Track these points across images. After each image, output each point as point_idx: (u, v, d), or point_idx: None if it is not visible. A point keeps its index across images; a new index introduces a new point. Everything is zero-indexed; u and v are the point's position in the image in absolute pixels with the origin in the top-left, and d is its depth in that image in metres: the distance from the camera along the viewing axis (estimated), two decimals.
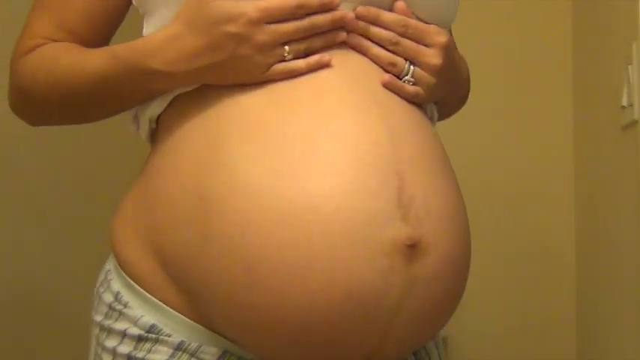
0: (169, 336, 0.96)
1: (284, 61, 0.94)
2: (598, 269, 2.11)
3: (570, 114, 2.41)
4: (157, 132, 1.03)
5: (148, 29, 1.00)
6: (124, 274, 1.00)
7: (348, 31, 0.98)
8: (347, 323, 0.89)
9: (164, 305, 0.97)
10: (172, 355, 0.96)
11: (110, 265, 1.03)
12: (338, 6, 0.96)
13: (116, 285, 1.00)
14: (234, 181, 0.90)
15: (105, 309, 1.00)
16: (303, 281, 0.87)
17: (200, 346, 0.96)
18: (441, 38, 1.00)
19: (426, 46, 1.00)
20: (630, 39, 1.77)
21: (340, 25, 0.97)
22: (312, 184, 0.89)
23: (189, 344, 0.96)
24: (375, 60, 0.99)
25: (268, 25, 0.93)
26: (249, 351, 0.95)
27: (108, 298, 1.00)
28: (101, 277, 1.04)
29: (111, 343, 0.98)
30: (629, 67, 1.78)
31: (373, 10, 0.99)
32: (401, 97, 0.99)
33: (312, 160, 0.90)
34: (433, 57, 1.00)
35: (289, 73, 0.95)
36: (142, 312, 0.97)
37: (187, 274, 0.94)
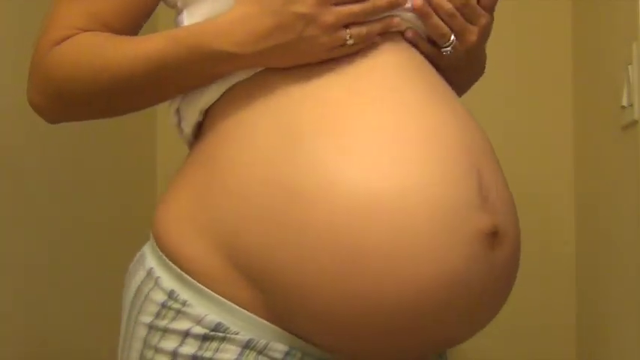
0: (237, 334, 0.95)
1: (344, 45, 0.97)
2: (598, 269, 2.10)
3: (570, 114, 2.40)
4: (206, 123, 1.03)
5: (190, 20, 1.00)
6: (181, 272, 0.97)
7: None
8: (436, 310, 0.92)
9: (230, 302, 0.95)
10: (241, 354, 0.94)
11: (151, 261, 1.00)
12: None
13: (168, 283, 0.98)
14: (323, 172, 0.91)
15: (155, 308, 0.98)
16: (398, 269, 0.89)
17: (267, 344, 0.95)
18: (483, 20, 1.07)
19: (471, 23, 1.05)
20: (630, 39, 1.77)
21: (395, 8, 1.00)
22: (402, 173, 0.91)
23: (257, 342, 0.95)
24: (431, 27, 1.02)
25: (334, 7, 0.95)
26: (319, 346, 0.95)
27: (158, 296, 0.98)
28: (140, 275, 1.01)
29: (169, 344, 0.96)
30: (629, 67, 1.77)
31: None
32: (420, 50, 1.04)
33: (399, 149, 0.92)
34: (472, 34, 1.06)
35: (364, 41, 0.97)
36: (205, 310, 0.95)
37: (263, 266, 0.93)
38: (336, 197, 0.90)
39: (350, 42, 0.96)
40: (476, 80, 1.20)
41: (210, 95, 1.01)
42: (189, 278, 0.96)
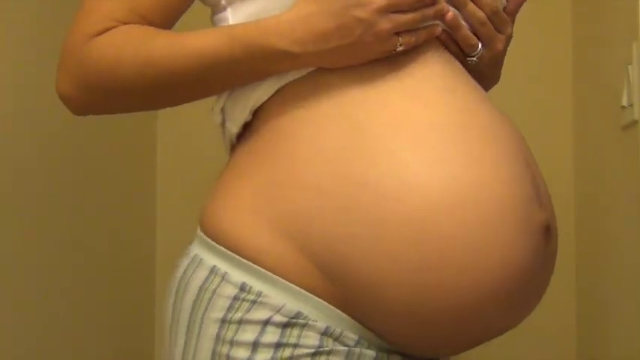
0: (315, 321, 0.97)
1: (394, 50, 0.99)
2: (598, 269, 2.10)
3: (570, 114, 2.40)
4: (256, 122, 1.04)
5: (235, 19, 1.01)
6: (252, 264, 0.98)
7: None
8: (507, 299, 0.97)
9: (307, 292, 0.98)
10: (321, 340, 0.96)
11: (212, 259, 1.00)
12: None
13: (238, 277, 0.98)
14: (405, 171, 0.95)
15: (226, 302, 0.98)
16: (480, 261, 0.94)
17: (342, 332, 0.98)
18: (509, 29, 1.11)
19: (499, 32, 1.09)
20: (630, 39, 1.77)
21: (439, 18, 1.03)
22: (475, 171, 0.96)
23: (333, 329, 0.97)
24: (461, 38, 1.05)
25: (392, 14, 0.98)
26: (385, 335, 0.99)
27: (228, 290, 0.98)
28: (201, 275, 1.01)
29: (247, 336, 0.97)
30: (629, 67, 1.78)
31: None
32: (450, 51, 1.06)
33: (467, 149, 0.97)
34: (500, 42, 1.09)
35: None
36: (283, 300, 0.97)
37: (338, 257, 0.96)
38: (418, 194, 0.94)
39: (400, 49, 0.99)
40: (494, 85, 1.23)
41: (261, 93, 1.02)
42: (263, 270, 0.98)
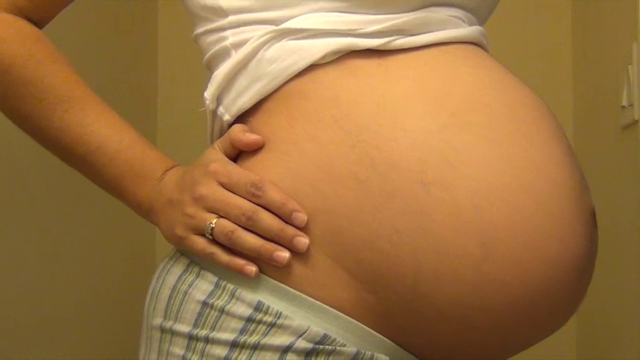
0: (344, 346, 0.86)
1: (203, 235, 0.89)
2: (598, 269, 2.10)
3: (570, 114, 2.40)
4: (261, 111, 0.93)
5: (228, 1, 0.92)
6: (270, 278, 0.87)
7: None
8: (569, 295, 0.89)
9: (335, 310, 0.86)
10: None
11: (218, 271, 0.89)
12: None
13: (252, 294, 0.86)
14: (447, 151, 0.85)
15: (238, 324, 0.86)
16: (541, 252, 0.85)
17: (373, 355, 0.87)
18: None
19: None
20: (630, 39, 1.77)
21: None
22: (527, 154, 0.87)
23: (363, 354, 0.86)
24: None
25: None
26: (426, 352, 0.89)
27: (240, 310, 0.86)
28: (203, 289, 0.89)
29: None
30: (629, 67, 1.78)
31: None
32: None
33: (516, 128, 0.88)
34: None
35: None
36: (307, 322, 0.85)
37: (375, 258, 0.84)
38: (467, 179, 0.84)
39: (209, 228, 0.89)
40: None
41: (266, 87, 0.92)
42: (283, 285, 0.86)
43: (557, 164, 0.88)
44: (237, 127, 0.91)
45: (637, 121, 1.75)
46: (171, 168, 0.96)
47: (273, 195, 0.86)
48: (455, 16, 0.94)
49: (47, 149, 0.98)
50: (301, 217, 0.86)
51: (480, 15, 1.01)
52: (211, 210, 0.88)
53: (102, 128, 0.95)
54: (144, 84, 2.41)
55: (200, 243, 0.89)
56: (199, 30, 0.96)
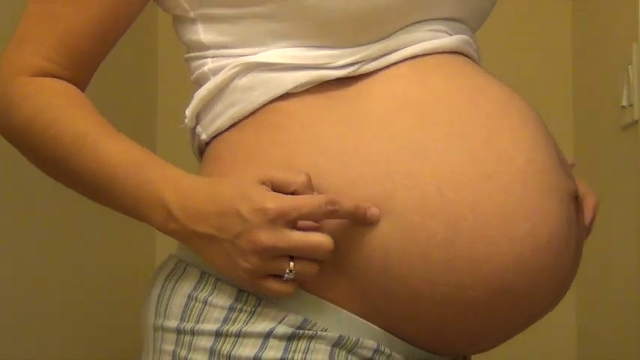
0: (325, 330, 0.88)
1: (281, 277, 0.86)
2: (598, 269, 2.10)
3: (570, 114, 2.40)
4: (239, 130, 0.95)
5: (208, 36, 0.95)
6: None
7: None
8: (545, 274, 0.90)
9: (314, 296, 0.88)
10: (331, 354, 0.88)
11: (202, 265, 0.91)
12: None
13: (231, 285, 0.89)
14: (412, 144, 0.89)
15: (221, 314, 0.89)
16: (508, 231, 0.88)
17: (358, 340, 0.89)
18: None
19: None
20: (630, 39, 1.77)
21: None
22: (495, 142, 0.90)
23: (347, 339, 0.88)
24: None
25: (285, 230, 0.85)
26: (411, 338, 0.91)
27: (221, 301, 0.89)
28: (188, 284, 0.91)
29: (247, 350, 0.87)
30: (629, 67, 1.78)
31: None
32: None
33: (483, 123, 0.91)
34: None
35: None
36: (286, 309, 0.88)
37: (342, 242, 0.87)
38: (430, 168, 0.88)
39: (289, 277, 0.85)
40: None
41: (244, 109, 0.94)
42: None
43: (521, 150, 0.91)
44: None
45: (637, 121, 1.75)
46: (175, 184, 0.91)
47: (347, 204, 0.86)
48: (435, 30, 0.96)
49: (82, 194, 0.98)
50: (374, 210, 0.87)
51: (471, 22, 1.03)
52: (283, 255, 0.85)
53: (112, 158, 0.92)
54: (144, 93, 2.41)
55: (276, 286, 0.86)
56: (188, 55, 1.00)
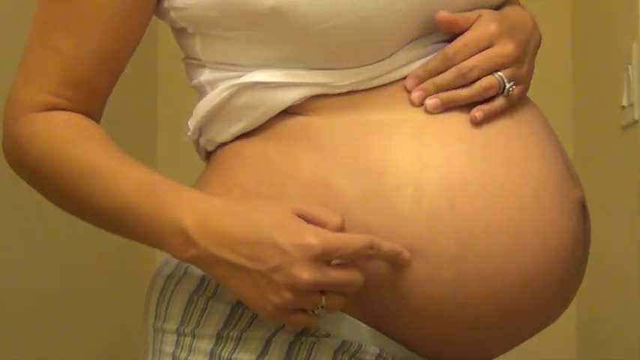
0: (328, 336, 0.87)
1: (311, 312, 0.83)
2: (598, 269, 2.10)
3: (570, 114, 2.40)
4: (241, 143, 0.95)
5: (206, 53, 0.94)
6: None
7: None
8: (553, 285, 0.89)
9: None
10: (333, 359, 0.87)
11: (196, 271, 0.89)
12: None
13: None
14: (417, 154, 0.86)
15: (222, 317, 0.88)
16: (519, 246, 0.85)
17: (360, 346, 0.87)
18: (490, 28, 0.91)
19: (489, 47, 0.91)
20: (630, 39, 1.77)
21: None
22: (508, 150, 0.88)
23: (350, 345, 0.87)
24: (471, 99, 0.90)
25: (323, 267, 0.81)
26: (412, 346, 0.90)
27: (223, 304, 0.88)
28: (190, 285, 0.90)
29: (248, 355, 0.86)
30: (629, 67, 1.78)
31: (420, 72, 0.91)
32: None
33: (494, 129, 0.89)
34: (504, 47, 0.92)
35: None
36: None
37: (364, 261, 0.85)
38: (436, 175, 0.85)
39: (317, 312, 0.83)
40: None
41: (248, 125, 0.93)
42: None
43: (533, 159, 0.89)
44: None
45: (637, 121, 1.75)
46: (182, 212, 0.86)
47: (385, 248, 0.84)
48: (435, 42, 0.94)
49: (102, 227, 0.96)
50: (406, 254, 0.84)
51: None
52: (316, 290, 0.82)
53: (123, 187, 0.89)
54: (144, 102, 2.41)
55: (303, 319, 0.84)
56: (186, 60, 0.99)
